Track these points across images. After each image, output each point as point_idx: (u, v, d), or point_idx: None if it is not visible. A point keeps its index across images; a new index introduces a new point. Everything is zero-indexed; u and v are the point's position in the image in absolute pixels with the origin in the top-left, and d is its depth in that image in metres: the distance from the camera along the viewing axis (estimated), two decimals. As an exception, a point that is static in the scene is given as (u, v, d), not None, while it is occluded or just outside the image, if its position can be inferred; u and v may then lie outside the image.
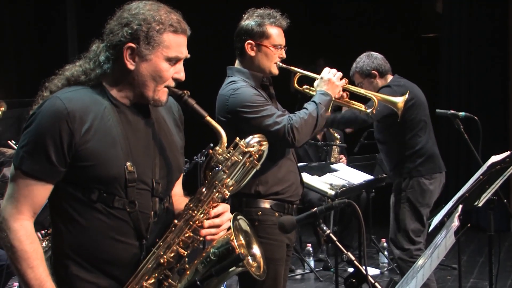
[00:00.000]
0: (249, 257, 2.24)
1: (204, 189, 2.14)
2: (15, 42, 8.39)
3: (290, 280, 5.90)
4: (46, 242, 3.33)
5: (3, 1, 8.16)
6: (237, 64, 3.29)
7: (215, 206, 2.15)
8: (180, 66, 2.14)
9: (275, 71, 3.25)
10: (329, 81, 3.27)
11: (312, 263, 6.28)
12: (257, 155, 2.16)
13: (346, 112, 4.56)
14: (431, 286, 4.45)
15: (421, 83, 4.82)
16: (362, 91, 3.63)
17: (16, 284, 4.79)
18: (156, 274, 2.11)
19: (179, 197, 2.33)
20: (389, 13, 8.95)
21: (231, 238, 2.16)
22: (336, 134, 6.54)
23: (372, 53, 4.70)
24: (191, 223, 2.12)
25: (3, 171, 4.36)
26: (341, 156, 6.62)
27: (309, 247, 6.33)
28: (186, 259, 2.16)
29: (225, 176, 2.13)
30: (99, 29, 2.15)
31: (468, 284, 5.78)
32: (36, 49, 8.54)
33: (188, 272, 2.17)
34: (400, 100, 3.72)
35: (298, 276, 6.22)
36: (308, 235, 7.26)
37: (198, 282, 2.10)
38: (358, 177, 4.59)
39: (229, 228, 2.17)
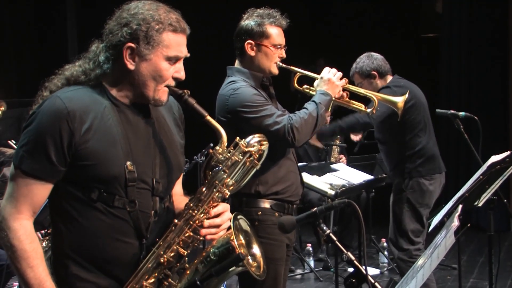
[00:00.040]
0: (249, 257, 2.24)
1: (204, 189, 2.14)
2: (15, 42, 8.39)
3: (290, 280, 5.90)
4: (46, 242, 3.33)
5: (3, 1, 8.16)
6: (237, 64, 3.29)
7: (215, 206, 2.15)
8: (180, 65, 2.14)
9: (275, 71, 3.25)
10: (329, 81, 3.27)
11: (312, 263, 6.28)
12: (257, 155, 2.16)
13: (347, 118, 4.56)
14: (430, 286, 4.45)
15: (421, 83, 4.82)
16: (362, 91, 3.63)
17: (16, 284, 4.79)
18: (156, 274, 2.11)
19: (179, 197, 2.33)
20: (389, 13, 8.95)
21: (231, 238, 2.17)
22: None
23: (372, 53, 4.70)
24: (191, 222, 2.13)
25: (3, 171, 4.36)
26: (341, 156, 6.62)
27: (309, 247, 6.33)
28: (186, 258, 2.16)
29: (225, 176, 2.13)
30: (99, 29, 2.15)
31: (468, 284, 5.78)
32: (36, 49, 8.54)
33: (188, 272, 2.17)
34: (400, 100, 3.72)
35: (298, 276, 6.22)
36: (308, 235, 7.26)
37: (198, 282, 2.10)
38: (358, 177, 4.59)
39: (229, 228, 2.17)
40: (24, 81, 8.03)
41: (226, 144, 2.14)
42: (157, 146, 2.17)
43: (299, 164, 3.40)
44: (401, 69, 4.87)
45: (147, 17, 2.07)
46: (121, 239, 2.09)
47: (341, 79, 3.32)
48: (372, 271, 6.08)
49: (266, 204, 3.16)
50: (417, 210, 4.53)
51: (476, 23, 7.98)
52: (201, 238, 2.14)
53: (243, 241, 2.22)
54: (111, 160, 2.04)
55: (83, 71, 2.12)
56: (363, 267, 2.04)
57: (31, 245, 2.01)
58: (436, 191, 4.61)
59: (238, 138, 2.16)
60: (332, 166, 4.83)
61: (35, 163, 2.00)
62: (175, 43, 2.10)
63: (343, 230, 6.66)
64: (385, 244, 6.24)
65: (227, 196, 2.15)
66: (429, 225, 3.52)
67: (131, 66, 2.08)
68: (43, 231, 3.67)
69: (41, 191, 2.04)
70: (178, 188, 2.34)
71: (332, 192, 4.15)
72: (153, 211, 2.14)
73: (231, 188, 2.16)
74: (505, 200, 3.88)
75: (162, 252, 2.11)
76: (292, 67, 3.32)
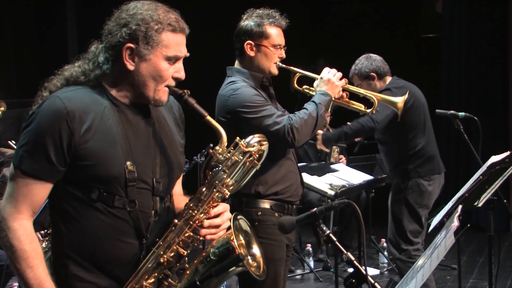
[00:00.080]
0: (249, 257, 2.24)
1: (204, 189, 2.14)
2: (15, 42, 8.39)
3: (290, 280, 5.90)
4: (46, 243, 3.33)
5: (3, 1, 8.16)
6: (236, 64, 3.29)
7: (215, 206, 2.15)
8: (179, 65, 2.14)
9: (275, 71, 3.25)
10: (328, 81, 3.27)
11: (312, 263, 6.28)
12: (257, 155, 2.16)
13: (352, 123, 4.55)
14: (430, 286, 4.46)
15: (421, 83, 4.82)
16: (361, 91, 3.63)
17: (16, 284, 4.79)
18: (156, 274, 2.11)
19: (179, 196, 2.33)
20: (389, 13, 8.94)
21: (231, 238, 2.17)
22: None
23: (371, 55, 4.71)
24: (191, 222, 2.12)
25: (3, 171, 4.36)
26: (341, 156, 6.62)
27: (309, 247, 6.33)
28: (186, 258, 2.16)
29: (225, 176, 2.13)
30: (99, 29, 2.15)
31: (467, 284, 5.78)
32: (36, 49, 8.54)
33: (188, 272, 2.17)
34: (399, 100, 3.72)
35: (298, 276, 6.22)
36: (308, 235, 7.26)
37: (197, 282, 2.10)
38: (358, 177, 4.59)
39: (229, 228, 2.17)
40: (24, 81, 8.03)
41: (226, 144, 2.14)
42: (157, 146, 2.17)
43: (298, 164, 3.40)
44: (401, 69, 4.87)
45: (146, 17, 2.07)
46: (121, 239, 2.09)
47: (340, 79, 3.31)
48: (372, 271, 6.09)
49: (266, 204, 3.16)
50: (416, 211, 4.53)
51: (476, 23, 7.98)
52: (201, 238, 2.14)
53: (243, 241, 2.22)
54: (111, 160, 2.04)
55: (83, 71, 2.12)
56: (363, 267, 2.04)
57: (30, 245, 2.01)
58: (435, 191, 4.61)
59: (238, 138, 2.16)
60: (332, 166, 4.82)
61: (35, 163, 2.00)
62: (175, 43, 2.10)
63: (343, 230, 6.66)
64: (385, 244, 6.24)
65: (227, 196, 2.15)
66: (429, 225, 3.51)
67: (130, 66, 2.08)
68: (43, 232, 3.67)
69: (41, 191, 2.04)
70: (178, 188, 2.34)
71: (332, 193, 4.15)
72: (153, 211, 2.14)
73: (231, 188, 2.16)
74: (505, 201, 3.88)
75: (162, 252, 2.11)
76: (291, 67, 3.32)
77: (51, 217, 2.13)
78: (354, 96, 3.52)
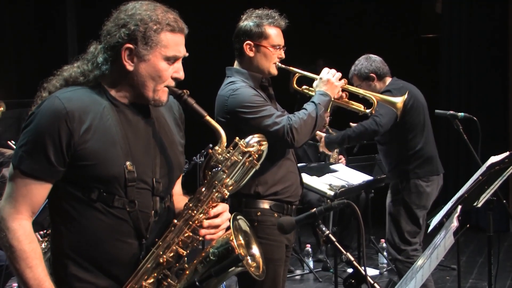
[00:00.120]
0: (248, 257, 2.24)
1: (203, 189, 2.14)
2: (15, 42, 8.39)
3: (289, 281, 5.90)
4: (45, 243, 3.32)
5: (3, 1, 8.17)
6: (236, 64, 3.29)
7: (215, 206, 2.15)
8: (178, 65, 2.14)
9: (274, 71, 3.25)
10: (328, 81, 3.27)
11: (311, 264, 6.28)
12: (256, 155, 2.16)
13: (355, 126, 4.54)
14: (428, 286, 4.45)
15: (421, 83, 4.82)
16: (361, 91, 3.63)
17: (16, 284, 4.79)
18: (156, 274, 2.11)
19: (178, 196, 2.33)
20: (389, 13, 8.95)
21: (231, 238, 2.17)
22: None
23: (371, 55, 4.71)
24: (190, 223, 2.13)
25: (2, 172, 4.36)
26: (340, 156, 6.62)
27: (308, 247, 6.33)
28: (186, 259, 2.16)
29: (224, 176, 2.13)
30: (99, 29, 2.15)
31: (467, 285, 5.78)
32: (36, 49, 8.54)
33: (187, 272, 2.17)
34: (399, 101, 3.72)
35: (298, 277, 6.22)
36: (308, 235, 7.26)
37: (197, 283, 2.10)
38: (357, 177, 4.59)
39: (228, 228, 2.17)
40: (24, 81, 8.04)
41: (225, 144, 2.14)
42: (157, 146, 2.17)
43: (298, 164, 3.40)
44: (401, 69, 4.87)
45: (145, 17, 2.07)
46: (121, 239, 2.09)
47: (340, 79, 3.31)
48: (371, 271, 6.09)
49: (265, 204, 3.16)
50: (413, 212, 4.53)
51: (476, 23, 7.99)
52: (200, 239, 2.14)
53: (242, 242, 2.22)
54: (111, 160, 2.04)
55: (82, 72, 2.12)
56: (363, 267, 2.04)
57: (30, 245, 2.01)
58: (433, 192, 4.61)
59: (237, 138, 2.16)
60: (332, 166, 4.83)
61: (34, 163, 2.00)
62: (173, 43, 2.10)
63: (342, 230, 6.66)
64: (384, 244, 6.22)
65: (226, 196, 2.15)
66: (428, 225, 3.51)
67: (129, 67, 2.08)
68: (42, 232, 3.66)
69: (40, 191, 2.04)
70: (177, 188, 2.34)
71: (332, 193, 4.15)
72: (153, 211, 2.14)
73: (230, 188, 2.16)
74: (504, 201, 3.88)
75: (161, 252, 2.11)
76: (291, 68, 3.32)
77: (51, 217, 2.13)
78: (353, 96, 3.52)
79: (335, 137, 4.66)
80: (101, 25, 2.14)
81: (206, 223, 2.13)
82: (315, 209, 2.17)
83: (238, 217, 2.26)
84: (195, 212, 2.13)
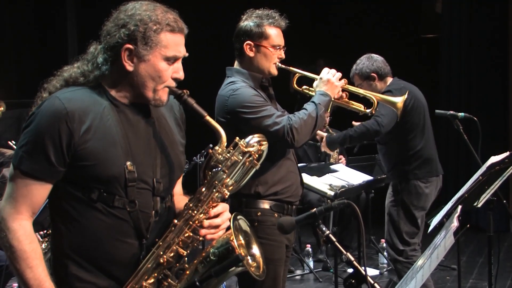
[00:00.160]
0: (249, 257, 2.24)
1: (203, 189, 2.14)
2: (15, 42, 8.39)
3: (290, 281, 5.90)
4: (46, 244, 3.32)
5: (3, 1, 8.17)
6: (236, 64, 3.29)
7: (215, 206, 2.15)
8: (178, 65, 2.14)
9: (274, 71, 3.25)
10: (328, 81, 3.27)
11: (311, 264, 6.28)
12: (256, 155, 2.16)
13: (357, 127, 4.53)
14: (428, 285, 4.45)
15: (421, 83, 4.82)
16: (361, 91, 3.62)
17: (16, 284, 4.79)
18: (156, 274, 2.11)
19: (178, 196, 2.33)
20: (389, 13, 8.95)
21: (231, 238, 2.17)
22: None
23: (372, 55, 4.70)
24: (190, 222, 2.13)
25: (3, 172, 4.36)
26: (341, 156, 6.62)
27: (308, 247, 6.33)
28: (186, 259, 2.16)
29: (224, 176, 2.13)
30: (99, 29, 2.15)
31: (467, 285, 5.78)
32: (36, 49, 8.55)
33: (187, 272, 2.17)
34: (399, 100, 3.71)
35: (298, 277, 6.22)
36: (308, 235, 7.26)
37: (197, 283, 2.10)
38: (358, 177, 4.59)
39: (228, 228, 2.17)
40: (24, 81, 8.04)
41: (225, 144, 2.14)
42: (158, 146, 2.17)
43: (298, 164, 3.39)
44: (401, 69, 4.87)
45: (145, 17, 2.06)
46: (121, 239, 2.09)
47: (340, 79, 3.31)
48: (371, 271, 6.08)
49: (265, 204, 3.16)
50: (412, 213, 4.53)
51: (476, 23, 7.99)
52: (200, 239, 2.14)
53: (242, 242, 2.22)
54: (111, 160, 2.04)
55: (82, 72, 2.12)
56: (363, 267, 2.04)
57: (30, 245, 2.01)
58: (432, 193, 4.61)
59: (237, 138, 2.16)
60: (332, 167, 4.82)
61: (34, 164, 2.00)
62: (173, 43, 2.10)
63: (342, 230, 6.66)
64: (384, 245, 6.20)
65: (226, 196, 2.15)
66: (428, 226, 3.51)
67: (129, 67, 2.08)
68: (42, 232, 3.66)
69: (41, 192, 2.04)
70: (178, 188, 2.34)
71: (332, 193, 4.15)
72: (153, 211, 2.14)
73: (230, 188, 2.16)
74: (505, 201, 3.87)
75: (161, 253, 2.11)
76: (291, 68, 3.32)
77: (51, 217, 2.13)
78: (353, 96, 3.52)
79: (337, 137, 4.66)
80: (101, 25, 2.14)
81: (206, 223, 2.13)
82: (315, 209, 2.17)
83: (238, 217, 2.26)
84: (195, 212, 2.13)
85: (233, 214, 2.21)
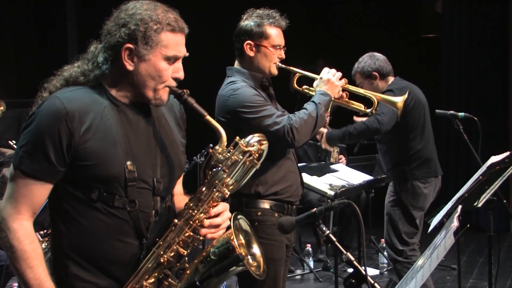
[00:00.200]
0: (249, 257, 2.25)
1: (204, 189, 2.14)
2: (15, 42, 8.39)
3: (290, 281, 5.90)
4: (46, 243, 3.32)
5: (3, 1, 8.17)
6: (236, 64, 3.29)
7: (215, 206, 2.15)
8: (178, 65, 2.14)
9: (275, 71, 3.25)
10: (328, 81, 3.27)
11: (311, 264, 6.28)
12: (257, 154, 2.16)
13: (357, 124, 4.52)
14: (427, 285, 4.45)
15: (421, 83, 4.82)
16: (361, 91, 3.62)
17: (16, 284, 4.79)
18: (156, 274, 2.11)
19: (179, 196, 2.33)
20: (389, 13, 8.94)
21: (231, 238, 2.17)
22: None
23: (375, 54, 4.69)
24: (191, 222, 2.13)
25: (3, 172, 4.36)
26: (341, 156, 6.62)
27: (308, 247, 6.33)
28: (186, 258, 2.16)
29: (225, 176, 2.13)
30: (99, 29, 2.15)
31: (467, 285, 5.78)
32: (36, 49, 8.54)
33: (188, 272, 2.17)
34: (399, 100, 3.71)
35: (298, 277, 6.22)
36: (308, 235, 7.26)
37: (197, 283, 2.10)
38: (358, 177, 4.59)
39: (229, 228, 2.17)
40: (24, 81, 8.04)
41: (225, 143, 2.14)
42: (158, 146, 2.17)
43: (298, 164, 3.39)
44: (401, 69, 4.87)
45: (145, 17, 2.06)
46: (121, 239, 2.09)
47: (340, 79, 3.31)
48: (371, 271, 6.09)
49: (265, 204, 3.16)
50: (410, 213, 4.53)
51: (476, 23, 7.98)
52: (201, 238, 2.14)
53: (243, 241, 2.22)
54: (111, 160, 2.04)
55: (82, 72, 2.12)
56: (363, 267, 2.04)
57: (30, 245, 2.01)
58: (431, 194, 4.60)
59: (237, 137, 2.16)
60: (332, 166, 4.82)
61: (35, 164, 2.00)
62: (174, 42, 2.09)
63: (342, 230, 6.66)
64: (384, 244, 6.23)
65: (227, 195, 2.15)
66: (429, 225, 3.51)
67: (130, 66, 2.08)
68: (42, 232, 3.66)
69: (41, 192, 2.04)
70: (178, 187, 2.34)
71: (332, 193, 4.15)
72: (154, 211, 2.14)
73: (231, 187, 2.16)
74: (505, 201, 3.88)
75: (162, 252, 2.11)
76: (291, 68, 3.32)
77: (51, 217, 2.13)
78: (354, 96, 3.52)
79: (336, 133, 4.63)
80: (101, 25, 2.14)
81: (207, 222, 2.13)
82: (315, 209, 2.17)
83: (238, 216, 2.26)
84: (195, 211, 2.13)
85: (234, 214, 2.22)
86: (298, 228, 5.43)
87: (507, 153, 3.53)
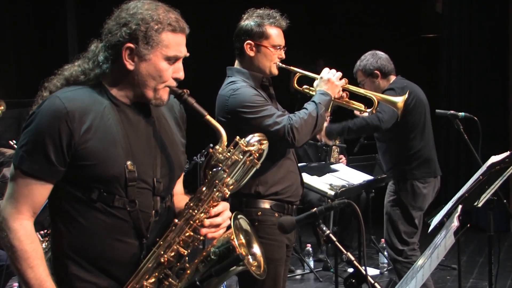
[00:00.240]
0: (249, 256, 2.25)
1: (204, 188, 2.14)
2: (15, 42, 8.39)
3: (290, 280, 5.90)
4: (46, 243, 3.33)
5: (3, 1, 8.17)
6: (236, 64, 3.29)
7: (215, 205, 2.15)
8: (179, 65, 2.14)
9: (275, 71, 3.25)
10: (328, 81, 3.27)
11: (311, 264, 6.28)
12: (257, 154, 2.16)
13: (357, 120, 4.51)
14: (427, 285, 4.46)
15: (421, 83, 4.82)
16: (362, 91, 3.62)
17: (16, 284, 4.79)
18: (157, 273, 2.11)
19: (179, 196, 2.33)
20: (389, 13, 8.94)
21: (232, 238, 2.17)
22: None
23: (378, 52, 4.67)
24: (191, 222, 2.13)
25: (3, 171, 4.36)
26: (341, 156, 6.62)
27: (308, 247, 6.33)
28: (187, 258, 2.16)
29: (225, 175, 2.13)
30: (99, 29, 2.15)
31: (467, 285, 5.78)
32: (36, 49, 8.55)
33: (188, 272, 2.17)
34: (400, 100, 3.71)
35: (298, 277, 6.22)
36: (308, 235, 7.26)
37: (197, 283, 2.10)
38: (358, 177, 4.59)
39: (229, 227, 2.17)
40: (24, 81, 8.04)
41: (226, 143, 2.14)
42: (158, 146, 2.17)
43: (298, 164, 3.40)
44: (401, 69, 4.86)
45: (146, 17, 2.06)
46: (121, 239, 2.09)
47: (340, 79, 3.31)
48: (372, 271, 6.09)
49: (266, 204, 3.16)
50: (409, 213, 4.53)
51: (476, 23, 7.98)
52: (201, 238, 2.14)
53: (243, 241, 2.23)
54: (111, 159, 2.04)
55: (82, 71, 2.12)
56: (363, 267, 2.04)
57: (31, 245, 2.01)
58: (430, 194, 4.60)
59: (238, 137, 2.16)
60: (332, 166, 4.82)
61: (35, 163, 2.00)
62: (174, 43, 2.09)
63: (343, 230, 6.66)
64: (384, 244, 6.23)
65: (227, 195, 2.15)
66: (429, 225, 3.51)
67: (130, 66, 2.08)
68: (42, 232, 3.67)
69: (41, 191, 2.04)
70: (178, 187, 2.34)
71: (332, 193, 4.15)
72: (154, 211, 2.14)
73: (231, 187, 2.16)
74: (505, 201, 3.88)
75: (162, 252, 2.11)
76: (291, 67, 3.32)
77: (51, 217, 2.13)
78: (354, 96, 3.52)
79: (336, 127, 4.61)
80: (101, 25, 2.14)
81: (207, 222, 2.13)
82: (315, 208, 2.17)
83: (239, 216, 2.26)
84: (196, 211, 2.13)
85: (234, 213, 2.22)
86: (298, 228, 5.43)
87: (507, 153, 3.53)
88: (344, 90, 3.39)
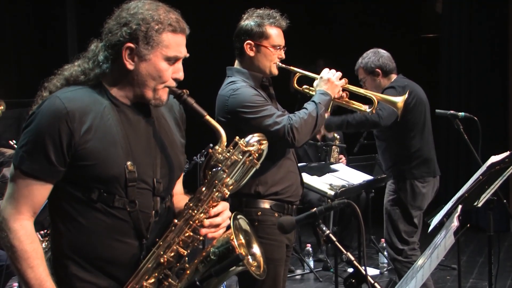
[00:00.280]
0: (249, 256, 2.25)
1: (204, 189, 2.14)
2: (15, 42, 8.39)
3: (290, 280, 5.90)
4: (46, 243, 3.33)
5: (3, 1, 8.17)
6: (236, 64, 3.29)
7: (215, 205, 2.15)
8: (179, 65, 2.14)
9: (275, 71, 3.25)
10: (328, 80, 3.27)
11: (311, 264, 6.28)
12: (256, 154, 2.16)
13: (357, 114, 4.51)
14: (427, 285, 4.46)
15: (421, 83, 4.81)
16: (362, 91, 3.62)
17: (16, 284, 4.79)
18: (156, 274, 2.11)
19: (179, 196, 2.33)
20: (389, 13, 8.94)
21: (231, 238, 2.17)
22: (335, 134, 6.54)
23: (379, 50, 4.67)
24: (191, 222, 2.13)
25: (3, 171, 4.36)
26: (341, 156, 6.62)
27: (308, 247, 6.33)
28: (186, 258, 2.16)
29: (225, 175, 2.13)
30: (99, 29, 2.15)
31: (467, 285, 5.78)
32: (36, 49, 8.54)
33: (188, 272, 2.17)
34: (400, 100, 3.71)
35: (298, 277, 6.22)
36: (308, 235, 7.26)
37: (197, 283, 2.10)
38: (358, 177, 4.59)
39: (229, 227, 2.17)
40: (24, 81, 8.04)
41: (225, 143, 2.14)
42: (158, 146, 2.17)
43: (298, 164, 3.40)
44: (401, 69, 4.86)
45: (147, 17, 2.07)
46: (121, 239, 2.09)
47: (340, 79, 3.31)
48: (371, 271, 6.09)
49: (265, 204, 3.16)
50: (409, 212, 4.53)
51: (476, 23, 7.98)
52: (201, 238, 2.14)
53: (243, 241, 2.23)
54: (111, 160, 2.04)
55: (82, 70, 2.12)
56: (363, 267, 2.04)
57: (31, 245, 2.01)
58: (429, 194, 4.60)
59: (237, 137, 2.16)
60: (332, 166, 4.82)
61: (35, 164, 2.00)
62: (175, 43, 2.10)
63: (342, 230, 6.66)
64: (384, 244, 6.22)
65: (226, 195, 2.15)
66: (429, 225, 3.51)
67: (130, 66, 2.08)
68: (42, 232, 3.67)
69: (41, 192, 2.04)
70: (178, 187, 2.34)
71: (332, 193, 4.15)
72: (154, 211, 2.14)
73: (230, 187, 2.16)
74: (505, 201, 3.88)
75: (162, 252, 2.11)
76: (291, 67, 3.32)
77: (51, 217, 2.13)
78: (354, 95, 3.52)
79: (335, 120, 4.60)
80: (101, 25, 2.14)
81: (207, 222, 2.13)
82: (315, 208, 2.17)
83: (238, 216, 2.26)
84: (195, 211, 2.13)
85: (233, 213, 2.22)
86: (298, 228, 5.43)
87: (507, 153, 3.53)
88: (344, 90, 3.39)
